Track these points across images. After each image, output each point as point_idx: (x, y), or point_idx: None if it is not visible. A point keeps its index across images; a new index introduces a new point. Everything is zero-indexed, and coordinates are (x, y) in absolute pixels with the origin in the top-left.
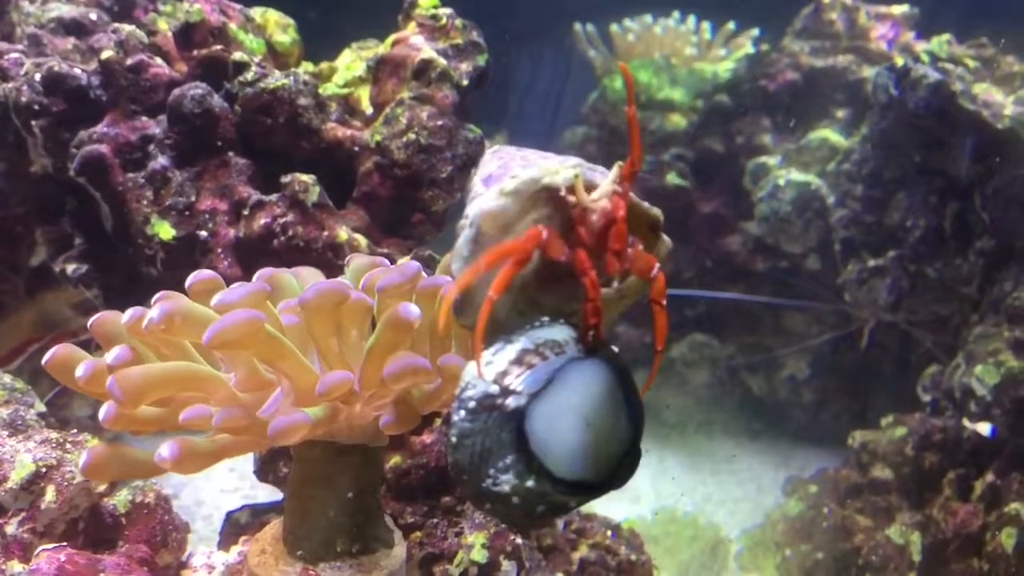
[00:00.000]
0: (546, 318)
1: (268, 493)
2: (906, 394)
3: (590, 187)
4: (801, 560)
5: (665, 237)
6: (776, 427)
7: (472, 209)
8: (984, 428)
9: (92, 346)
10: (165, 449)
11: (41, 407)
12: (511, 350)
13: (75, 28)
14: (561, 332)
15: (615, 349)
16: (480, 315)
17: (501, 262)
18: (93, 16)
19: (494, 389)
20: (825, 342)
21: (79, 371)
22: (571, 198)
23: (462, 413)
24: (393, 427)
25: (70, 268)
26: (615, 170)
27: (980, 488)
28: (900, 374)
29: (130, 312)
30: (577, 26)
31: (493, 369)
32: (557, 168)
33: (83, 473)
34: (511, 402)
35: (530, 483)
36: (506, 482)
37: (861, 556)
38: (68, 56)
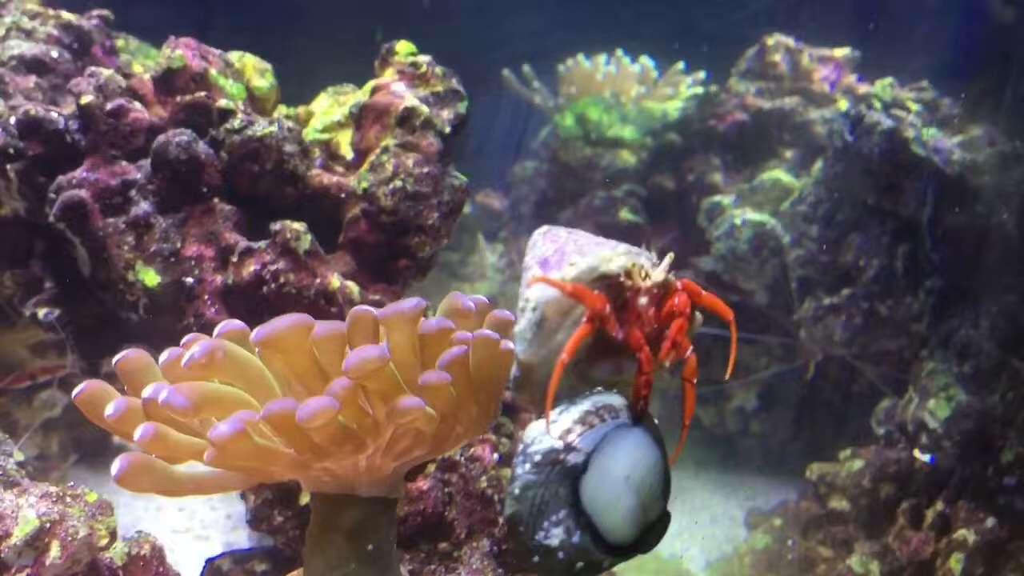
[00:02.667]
0: (600, 388)
1: (220, 534)
2: (849, 425)
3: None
4: None
5: (698, 315)
6: (725, 458)
7: (533, 294)
8: (925, 457)
9: (54, 387)
10: (225, 425)
11: (20, 456)
12: (575, 411)
13: (36, 66)
14: (616, 399)
15: (656, 421)
16: (553, 375)
17: (583, 300)
18: (54, 54)
19: (559, 444)
20: (773, 375)
21: (109, 409)
22: (627, 282)
23: (527, 466)
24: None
25: (41, 312)
26: (667, 260)
27: (931, 516)
28: (846, 407)
29: (167, 352)
30: (506, 71)
31: (558, 427)
32: (611, 256)
33: (116, 482)
34: (572, 458)
35: (575, 539)
36: (556, 536)
37: None
38: (31, 95)
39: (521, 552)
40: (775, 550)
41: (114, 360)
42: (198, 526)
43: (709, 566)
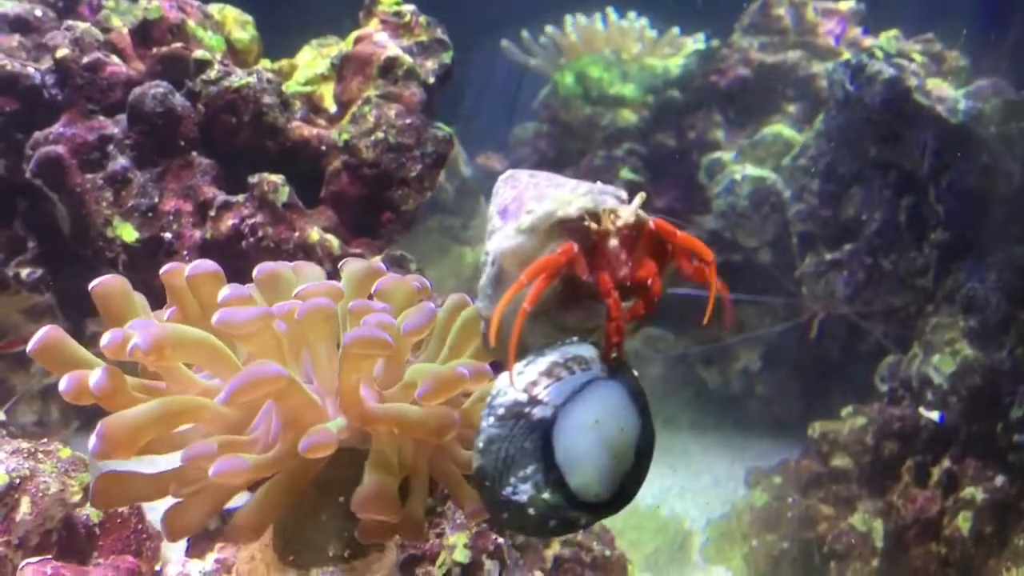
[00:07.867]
0: (575, 338)
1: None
2: (855, 384)
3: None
4: (768, 550)
5: None
6: (730, 419)
7: (492, 246)
8: (934, 415)
9: None
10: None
11: (1, 415)
12: (542, 362)
13: (20, 25)
14: (588, 350)
15: (635, 372)
16: (515, 326)
17: (538, 277)
18: (38, 13)
19: (523, 397)
20: (777, 333)
21: (63, 384)
22: (593, 225)
23: (491, 419)
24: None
25: (24, 272)
26: (638, 200)
27: (937, 474)
28: (850, 365)
29: (109, 335)
30: (504, 41)
31: (524, 379)
32: (570, 199)
33: (91, 504)
34: (538, 412)
35: (546, 495)
36: (524, 492)
37: (826, 544)
38: (13, 53)
39: (492, 508)
40: (774, 508)
41: (28, 349)
42: None
43: (709, 525)
